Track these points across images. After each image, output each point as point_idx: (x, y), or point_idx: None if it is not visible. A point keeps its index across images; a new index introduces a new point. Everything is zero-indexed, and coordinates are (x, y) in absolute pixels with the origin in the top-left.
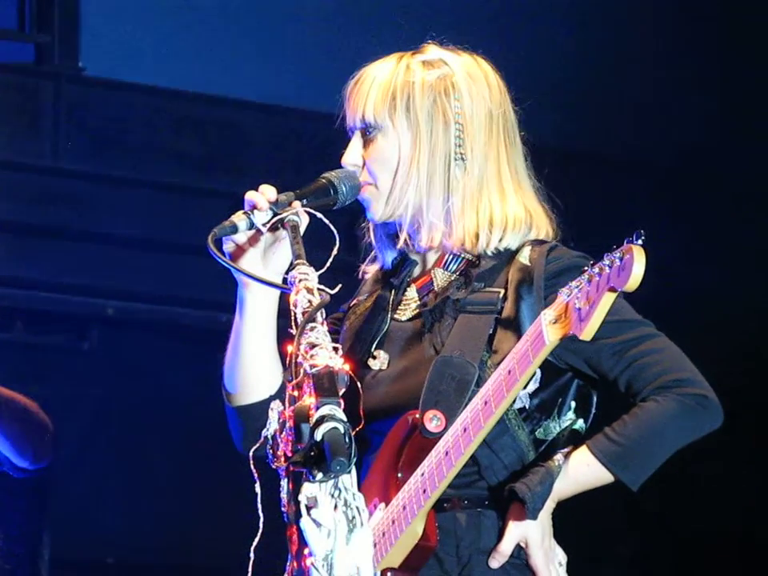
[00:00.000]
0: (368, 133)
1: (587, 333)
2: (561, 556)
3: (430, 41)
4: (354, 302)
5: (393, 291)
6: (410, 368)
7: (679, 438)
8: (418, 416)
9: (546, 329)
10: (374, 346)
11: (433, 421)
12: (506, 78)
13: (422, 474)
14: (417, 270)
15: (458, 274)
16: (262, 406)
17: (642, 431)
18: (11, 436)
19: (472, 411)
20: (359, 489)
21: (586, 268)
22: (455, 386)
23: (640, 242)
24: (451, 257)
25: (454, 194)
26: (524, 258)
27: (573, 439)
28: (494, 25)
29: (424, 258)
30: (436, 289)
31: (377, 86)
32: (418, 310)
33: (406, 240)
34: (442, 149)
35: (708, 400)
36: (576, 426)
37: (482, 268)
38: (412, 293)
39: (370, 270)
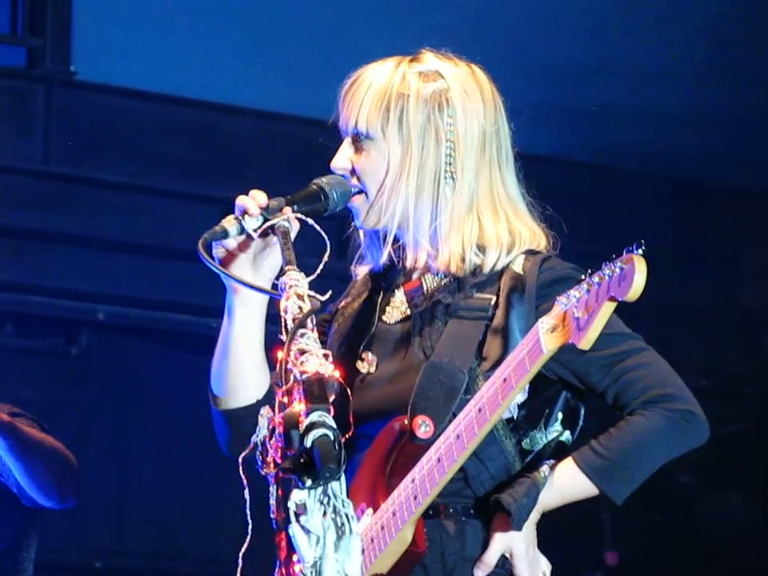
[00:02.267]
0: (359, 140)
1: (585, 342)
2: (545, 566)
3: (426, 48)
4: (342, 303)
5: (381, 293)
6: (400, 372)
7: (665, 453)
8: (406, 422)
9: (544, 337)
10: (362, 348)
11: (422, 427)
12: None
13: (413, 481)
14: (403, 276)
15: (446, 278)
16: (249, 411)
17: (628, 445)
18: (39, 480)
19: (465, 419)
20: (346, 492)
21: (583, 277)
22: (444, 392)
23: (640, 251)
24: (439, 265)
25: (441, 213)
26: (517, 266)
27: (559, 451)
28: (480, 29)
29: (414, 262)
30: (426, 292)
31: (371, 94)
32: (407, 313)
33: (390, 252)
34: (431, 166)
35: (695, 416)
36: (562, 438)
37: (476, 273)
38: (400, 296)
39: (360, 272)
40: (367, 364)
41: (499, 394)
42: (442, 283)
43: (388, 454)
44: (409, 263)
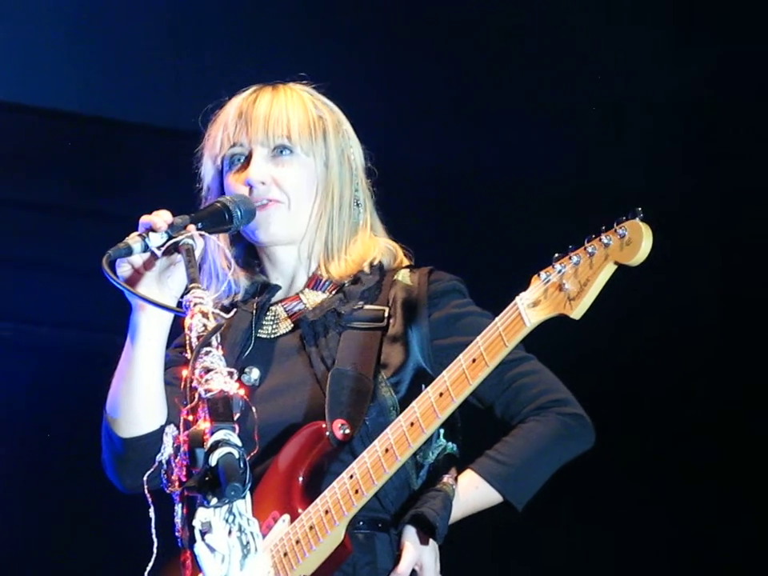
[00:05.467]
0: (281, 153)
1: (578, 311)
2: None
3: (300, 81)
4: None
5: (254, 312)
6: (294, 382)
7: (563, 456)
8: (324, 425)
9: (526, 311)
10: (243, 363)
11: (341, 429)
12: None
13: (351, 477)
14: (280, 293)
15: (330, 293)
16: (154, 437)
17: (528, 450)
18: None
19: (421, 405)
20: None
21: (570, 247)
22: (355, 396)
23: (638, 219)
24: (323, 280)
25: (353, 234)
26: (404, 279)
27: (450, 462)
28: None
29: (292, 281)
30: (308, 307)
31: (295, 112)
32: (291, 327)
33: (268, 265)
34: (348, 190)
35: (585, 420)
36: (449, 450)
37: (362, 286)
38: (279, 311)
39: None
40: (251, 378)
41: (467, 377)
42: (326, 297)
43: (301, 460)
44: (288, 279)
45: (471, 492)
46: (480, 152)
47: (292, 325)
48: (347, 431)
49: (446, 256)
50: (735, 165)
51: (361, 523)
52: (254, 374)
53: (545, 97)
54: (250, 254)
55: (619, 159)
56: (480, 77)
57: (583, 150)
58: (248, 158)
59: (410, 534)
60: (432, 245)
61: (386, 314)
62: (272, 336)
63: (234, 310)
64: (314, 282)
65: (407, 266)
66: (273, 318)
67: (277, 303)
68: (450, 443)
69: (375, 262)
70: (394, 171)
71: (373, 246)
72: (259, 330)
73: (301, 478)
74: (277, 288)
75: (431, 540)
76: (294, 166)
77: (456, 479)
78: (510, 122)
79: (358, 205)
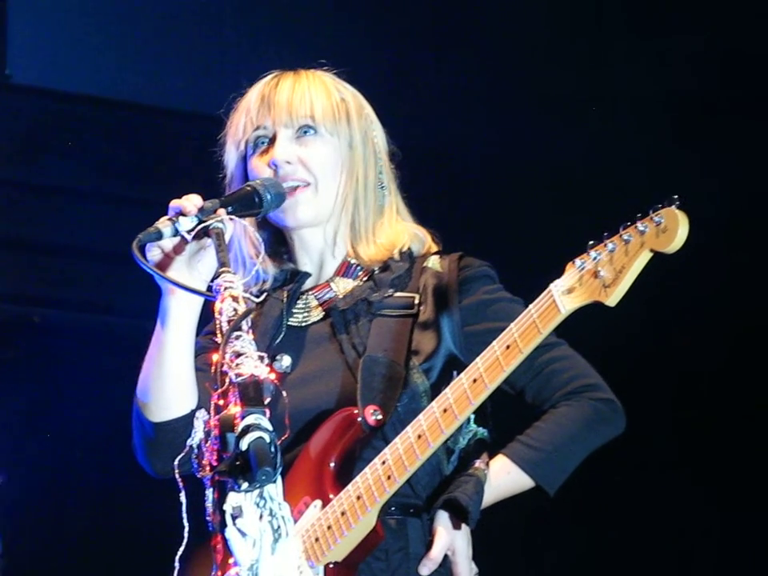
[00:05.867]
0: (305, 134)
1: (613, 298)
2: (475, 568)
3: (325, 67)
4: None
5: (285, 300)
6: (326, 369)
7: (594, 441)
8: (356, 412)
9: (561, 298)
10: (274, 350)
11: (373, 415)
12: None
13: (384, 462)
14: (310, 281)
15: (361, 280)
16: (185, 422)
17: (559, 435)
18: None
19: (455, 391)
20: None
21: (605, 234)
22: (387, 383)
23: (674, 206)
24: (354, 266)
25: (379, 218)
26: (434, 265)
27: (481, 447)
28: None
29: (321, 267)
30: (339, 295)
31: (319, 94)
32: (322, 315)
33: (298, 251)
34: (372, 173)
35: (616, 404)
36: (480, 436)
37: (392, 274)
38: (310, 300)
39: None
40: (282, 365)
41: (501, 363)
42: (357, 285)
43: (333, 446)
44: (317, 266)
45: (503, 477)
46: (506, 138)
47: (323, 313)
48: (379, 417)
49: (466, 242)
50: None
51: (393, 509)
52: (286, 361)
53: (565, 88)
54: (277, 241)
55: (646, 147)
56: (502, 65)
57: (611, 136)
58: (272, 141)
59: (443, 518)
60: (454, 231)
61: (417, 301)
62: (303, 324)
63: (264, 296)
64: (344, 269)
65: (437, 252)
66: (304, 306)
67: (307, 291)
68: (480, 428)
69: (405, 249)
70: (417, 158)
71: (401, 230)
72: (290, 318)
73: (333, 464)
74: (306, 275)
75: (463, 525)
76: (319, 145)
77: (488, 464)
78: (537, 109)
79: (382, 187)
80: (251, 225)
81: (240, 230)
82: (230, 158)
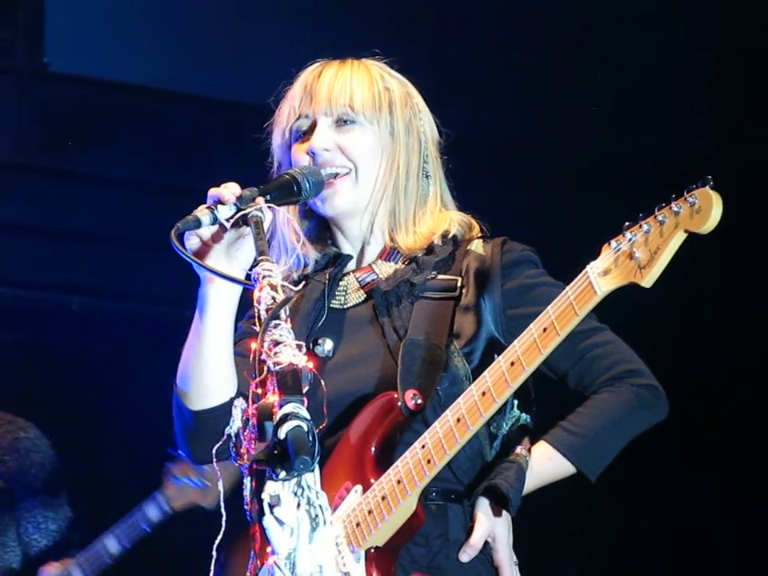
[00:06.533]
0: (345, 123)
1: (649, 279)
2: (514, 556)
3: (376, 55)
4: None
5: (327, 283)
6: (367, 353)
7: (636, 428)
8: (396, 396)
9: (597, 280)
10: (316, 333)
11: (413, 399)
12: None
13: (423, 447)
14: (352, 264)
15: (403, 263)
16: (223, 410)
17: (601, 422)
18: None
19: (493, 374)
20: (321, 476)
21: (641, 215)
22: (427, 366)
23: (708, 187)
24: (395, 252)
25: (422, 205)
26: (477, 249)
27: (524, 433)
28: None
29: (363, 253)
30: (381, 278)
31: (361, 82)
32: (364, 297)
33: (340, 237)
34: (416, 162)
35: (659, 390)
36: (522, 421)
37: (436, 257)
38: (351, 283)
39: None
40: (324, 349)
41: (538, 345)
42: (399, 267)
43: (374, 430)
44: (359, 251)
45: (545, 463)
46: (542, 122)
47: (365, 295)
48: (419, 401)
49: (506, 226)
50: None
51: (434, 494)
52: (328, 344)
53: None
54: (322, 227)
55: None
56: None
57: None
58: (312, 129)
59: (483, 505)
60: (495, 216)
61: (459, 284)
62: (345, 306)
63: (304, 282)
64: (387, 254)
65: (480, 237)
66: (345, 288)
67: (349, 273)
68: (523, 414)
69: (448, 235)
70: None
71: (443, 219)
72: (332, 301)
73: (373, 449)
74: (348, 258)
75: (504, 512)
76: (358, 133)
77: (529, 450)
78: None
79: (427, 177)
80: (294, 213)
81: (282, 219)
82: (277, 145)
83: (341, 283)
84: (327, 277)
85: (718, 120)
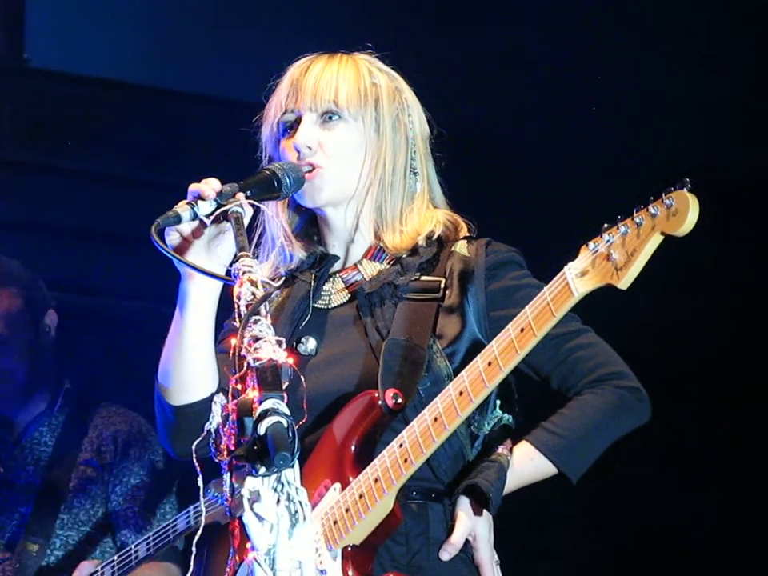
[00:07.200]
0: (330, 118)
1: (625, 281)
2: (495, 555)
3: (368, 50)
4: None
5: (312, 282)
6: (349, 352)
7: (618, 430)
8: (377, 395)
9: (574, 281)
10: (299, 332)
11: (393, 398)
12: None
13: (401, 445)
14: (338, 264)
15: (389, 264)
16: (204, 406)
17: (583, 423)
18: None
19: (470, 374)
20: (301, 473)
21: (619, 217)
22: (408, 366)
23: (685, 189)
24: (381, 250)
25: (408, 203)
26: (462, 250)
27: (505, 433)
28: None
29: (347, 251)
30: (366, 278)
31: (347, 77)
32: (348, 298)
33: (326, 233)
34: (402, 159)
35: (642, 393)
36: (505, 422)
37: (420, 258)
38: (337, 283)
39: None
40: (307, 348)
41: (515, 346)
42: (383, 268)
43: (354, 428)
44: (345, 249)
45: (526, 463)
46: (530, 119)
47: (349, 295)
48: (399, 401)
49: (489, 227)
50: None
51: (414, 493)
52: (311, 343)
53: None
54: (311, 223)
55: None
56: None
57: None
58: (299, 124)
59: (464, 504)
60: (478, 217)
61: (443, 285)
62: (329, 306)
63: (290, 281)
64: (373, 253)
65: (465, 237)
66: (330, 288)
67: (335, 274)
68: (505, 414)
69: (433, 235)
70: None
71: (430, 217)
72: (317, 301)
73: (353, 447)
74: (335, 258)
75: (485, 511)
76: (341, 130)
77: (511, 450)
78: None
79: (414, 173)
80: (283, 208)
81: (268, 214)
82: (266, 139)
83: (326, 283)
84: (313, 277)
85: (718, 121)
